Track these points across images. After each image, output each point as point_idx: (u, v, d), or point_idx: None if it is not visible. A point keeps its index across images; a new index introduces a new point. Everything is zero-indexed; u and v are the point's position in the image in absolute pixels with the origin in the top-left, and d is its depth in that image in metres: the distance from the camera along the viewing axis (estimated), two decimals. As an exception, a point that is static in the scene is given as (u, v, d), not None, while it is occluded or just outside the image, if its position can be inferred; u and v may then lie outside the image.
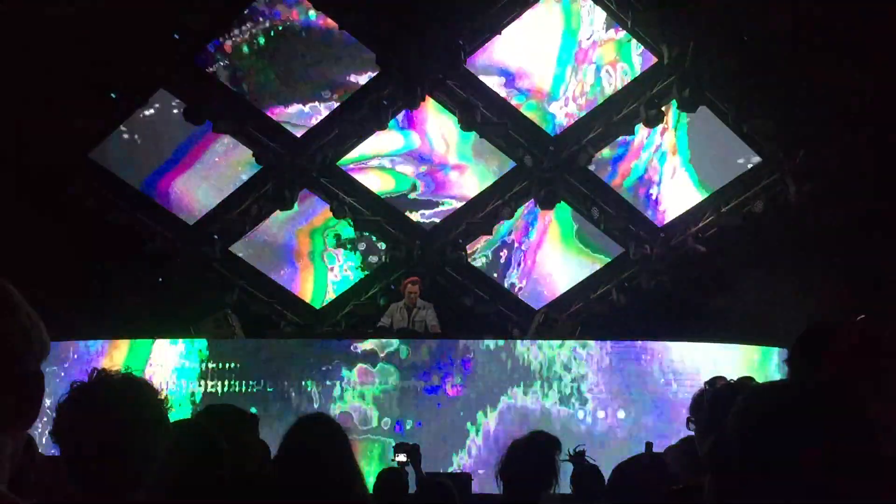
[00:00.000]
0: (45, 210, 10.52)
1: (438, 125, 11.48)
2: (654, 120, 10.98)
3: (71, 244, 10.40)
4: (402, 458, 6.22)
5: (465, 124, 11.15)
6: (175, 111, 11.07)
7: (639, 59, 10.94)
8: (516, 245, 12.24)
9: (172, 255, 11.76)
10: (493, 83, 11.10)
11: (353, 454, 3.36)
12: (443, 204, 11.96)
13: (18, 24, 9.35)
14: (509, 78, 11.12)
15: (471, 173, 11.80)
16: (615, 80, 11.09)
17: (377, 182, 11.80)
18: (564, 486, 4.38)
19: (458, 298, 12.10)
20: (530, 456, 3.88)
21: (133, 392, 2.13)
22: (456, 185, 11.88)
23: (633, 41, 10.81)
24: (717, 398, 2.92)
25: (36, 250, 9.53)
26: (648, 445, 5.52)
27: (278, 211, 11.68)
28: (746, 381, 3.13)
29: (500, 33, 10.75)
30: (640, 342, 9.80)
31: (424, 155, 11.67)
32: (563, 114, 11.32)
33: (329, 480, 3.20)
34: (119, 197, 11.38)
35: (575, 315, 11.91)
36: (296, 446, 3.30)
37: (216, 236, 11.82)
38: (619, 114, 11.15)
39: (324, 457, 3.24)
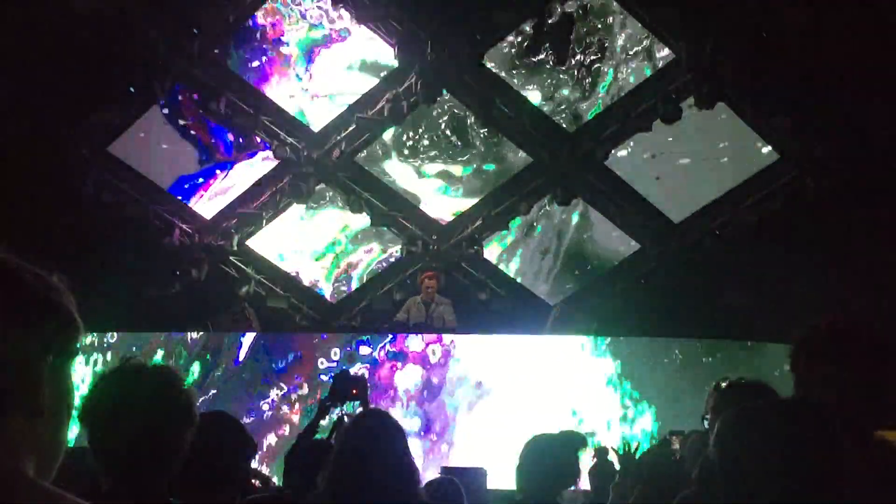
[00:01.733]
0: (63, 203, 10.58)
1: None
2: (671, 116, 10.93)
3: (87, 237, 10.46)
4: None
5: (482, 120, 11.14)
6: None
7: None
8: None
9: (189, 249, 11.80)
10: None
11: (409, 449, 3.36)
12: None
13: (39, 18, 9.41)
14: (519, 73, 11.11)
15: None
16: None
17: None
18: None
19: (473, 293, 12.10)
20: (553, 453, 3.84)
21: (163, 381, 2.15)
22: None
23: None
24: (722, 399, 2.95)
25: (52, 242, 9.59)
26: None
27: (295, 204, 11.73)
28: (757, 384, 3.12)
29: (516, 28, 10.74)
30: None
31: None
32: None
33: (389, 476, 3.19)
34: (136, 190, 11.43)
35: (592, 311, 11.89)
36: (355, 443, 3.29)
37: (233, 230, 11.86)
38: (636, 110, 11.11)
39: (382, 453, 3.23)
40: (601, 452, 6.31)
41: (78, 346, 1.34)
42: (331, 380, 4.95)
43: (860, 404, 2.11)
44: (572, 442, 3.96)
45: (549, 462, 3.81)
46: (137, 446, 2.06)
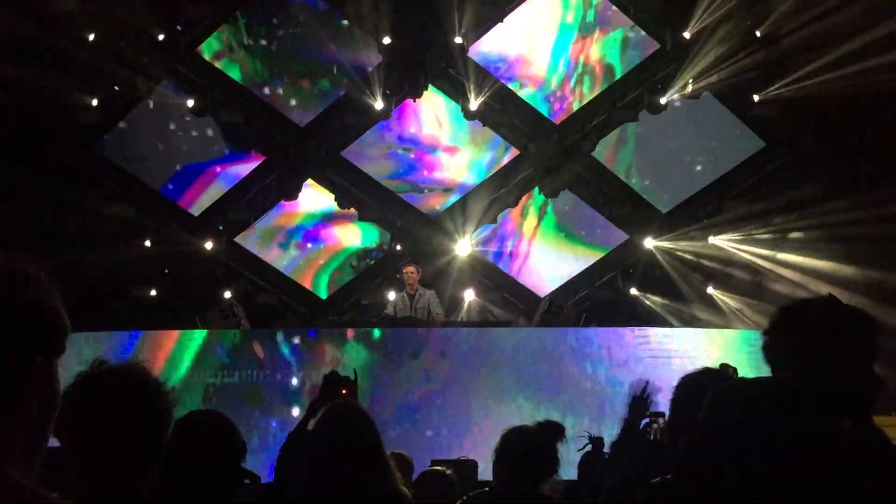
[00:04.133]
0: (50, 202, 10.54)
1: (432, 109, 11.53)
2: (656, 107, 10.96)
3: (76, 235, 10.42)
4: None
5: (468, 112, 11.15)
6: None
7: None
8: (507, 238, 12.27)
9: (177, 246, 11.77)
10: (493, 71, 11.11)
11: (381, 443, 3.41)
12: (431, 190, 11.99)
13: (24, 17, 9.36)
14: (507, 66, 11.13)
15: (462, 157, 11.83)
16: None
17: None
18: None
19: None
20: (531, 444, 3.83)
21: (135, 383, 2.10)
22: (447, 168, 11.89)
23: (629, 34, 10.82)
24: (688, 384, 2.98)
25: (39, 241, 9.56)
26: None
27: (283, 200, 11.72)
28: (724, 369, 3.15)
29: (501, 21, 10.76)
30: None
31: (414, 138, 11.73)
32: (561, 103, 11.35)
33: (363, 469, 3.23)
34: (123, 188, 11.39)
35: (580, 302, 11.91)
36: (328, 435, 3.34)
37: (221, 227, 11.84)
38: (622, 101, 11.14)
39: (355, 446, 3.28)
40: (597, 442, 6.32)
41: (64, 345, 1.34)
42: (321, 380, 4.97)
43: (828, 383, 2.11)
44: (550, 432, 3.95)
45: (528, 453, 3.81)
46: (109, 449, 2.03)
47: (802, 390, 1.97)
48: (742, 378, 2.87)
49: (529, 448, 3.81)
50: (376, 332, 9.67)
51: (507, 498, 3.87)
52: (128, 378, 2.12)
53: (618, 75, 11.24)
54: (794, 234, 10.79)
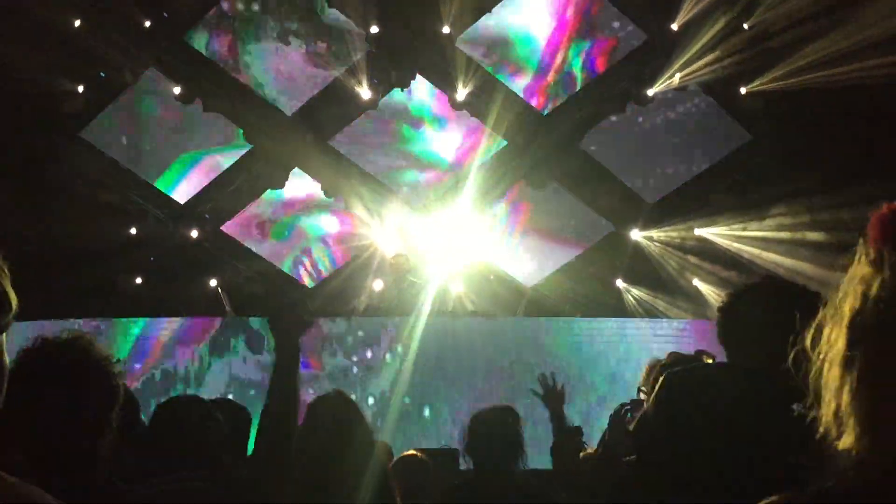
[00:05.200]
0: (34, 189, 10.52)
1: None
2: (644, 98, 10.97)
3: (60, 223, 10.40)
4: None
5: (455, 103, 11.13)
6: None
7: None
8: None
9: (163, 235, 11.74)
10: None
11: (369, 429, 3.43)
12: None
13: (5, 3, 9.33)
14: (495, 56, 11.12)
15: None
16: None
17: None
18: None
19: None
20: (494, 430, 3.86)
21: (76, 358, 2.08)
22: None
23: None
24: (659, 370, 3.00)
25: (24, 230, 9.53)
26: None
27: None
28: (698, 356, 3.17)
29: (489, 11, 10.75)
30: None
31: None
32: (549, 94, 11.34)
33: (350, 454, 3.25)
34: (108, 176, 11.35)
35: (564, 294, 11.92)
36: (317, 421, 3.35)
37: (207, 216, 11.81)
38: (609, 92, 11.14)
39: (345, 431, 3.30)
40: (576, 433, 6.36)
41: (9, 321, 1.35)
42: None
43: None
44: (514, 415, 3.99)
45: (500, 437, 3.84)
46: (51, 427, 2.02)
47: (740, 377, 1.98)
48: (697, 364, 2.89)
49: (494, 434, 3.84)
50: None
51: (481, 484, 3.90)
52: (70, 350, 2.11)
53: (605, 67, 11.23)
54: (779, 225, 10.80)
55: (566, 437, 4.09)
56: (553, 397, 4.16)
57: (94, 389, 2.08)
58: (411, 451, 5.95)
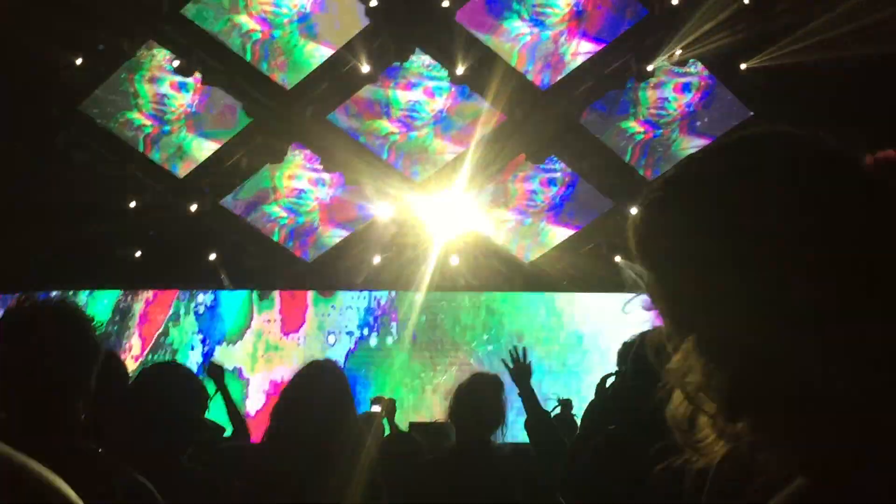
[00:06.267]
0: (35, 162, 10.53)
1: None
2: (643, 74, 10.92)
3: (61, 196, 10.42)
4: (376, 408, 6.32)
5: (455, 77, 11.09)
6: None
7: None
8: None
9: (162, 209, 11.77)
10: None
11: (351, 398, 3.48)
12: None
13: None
14: (494, 31, 11.05)
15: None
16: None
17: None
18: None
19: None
20: (475, 399, 3.89)
21: (55, 316, 2.09)
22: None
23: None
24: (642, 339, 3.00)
25: (25, 202, 9.56)
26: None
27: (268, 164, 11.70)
28: None
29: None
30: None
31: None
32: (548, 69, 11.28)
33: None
34: (107, 149, 11.36)
35: (563, 269, 11.95)
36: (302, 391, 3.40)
37: (207, 190, 11.83)
38: (609, 67, 11.09)
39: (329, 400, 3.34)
40: (565, 405, 6.41)
41: None
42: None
43: None
44: (497, 385, 4.01)
45: (479, 407, 3.87)
46: (30, 387, 2.03)
47: None
48: None
49: (475, 402, 3.87)
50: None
51: (462, 452, 3.94)
52: (49, 309, 2.11)
53: (605, 42, 11.17)
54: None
55: (540, 415, 4.11)
56: (519, 372, 4.17)
57: (72, 349, 2.08)
58: (401, 430, 6.03)
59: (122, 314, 11.73)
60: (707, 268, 1.05)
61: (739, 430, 1.04)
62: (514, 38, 10.99)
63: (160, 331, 11.67)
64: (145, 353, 11.59)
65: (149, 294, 11.66)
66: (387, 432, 5.94)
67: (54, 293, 9.21)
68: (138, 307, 11.78)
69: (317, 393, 3.33)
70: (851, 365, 0.96)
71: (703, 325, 1.06)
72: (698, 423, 1.10)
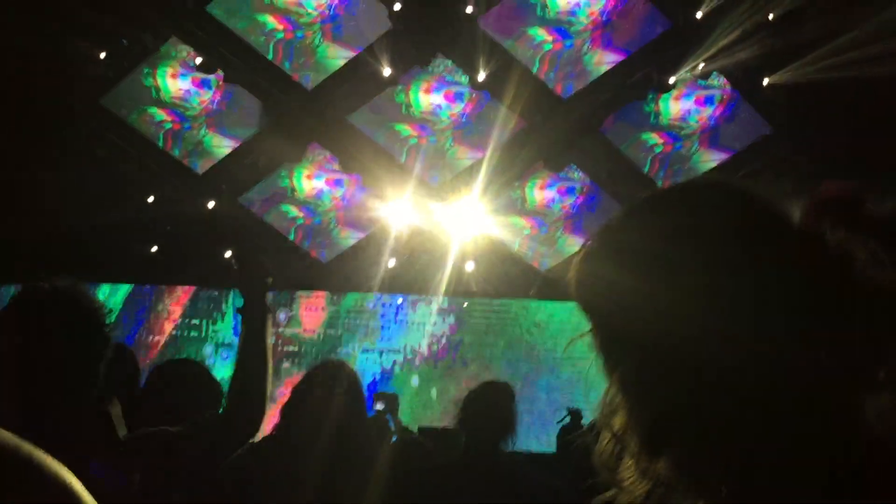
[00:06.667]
0: (54, 155, 10.58)
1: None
2: (664, 85, 10.88)
3: (78, 190, 10.46)
4: (380, 406, 6.28)
5: (476, 83, 11.08)
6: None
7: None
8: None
9: (180, 205, 11.80)
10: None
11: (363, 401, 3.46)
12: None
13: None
14: (517, 38, 11.03)
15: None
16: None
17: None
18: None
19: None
20: (486, 406, 3.85)
21: (63, 302, 2.07)
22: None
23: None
24: None
25: (42, 196, 9.60)
26: None
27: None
28: None
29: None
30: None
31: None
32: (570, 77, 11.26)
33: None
34: (128, 144, 11.40)
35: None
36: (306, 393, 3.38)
37: (224, 186, 11.85)
38: (631, 78, 11.05)
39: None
40: (574, 415, 6.37)
41: None
42: None
43: None
44: (508, 394, 3.98)
45: (489, 415, 3.83)
46: (34, 370, 2.02)
47: None
48: None
49: (483, 411, 3.84)
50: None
51: (470, 460, 3.91)
52: (61, 296, 2.10)
53: (628, 52, 11.13)
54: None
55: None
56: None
57: (82, 337, 2.07)
58: (412, 436, 6.02)
59: (137, 307, 11.78)
60: (633, 311, 1.09)
61: (659, 469, 1.07)
62: (537, 46, 10.97)
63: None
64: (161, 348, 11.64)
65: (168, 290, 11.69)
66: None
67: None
68: (157, 302, 11.85)
69: (329, 393, 3.32)
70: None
71: (628, 366, 1.10)
72: (623, 462, 1.14)
